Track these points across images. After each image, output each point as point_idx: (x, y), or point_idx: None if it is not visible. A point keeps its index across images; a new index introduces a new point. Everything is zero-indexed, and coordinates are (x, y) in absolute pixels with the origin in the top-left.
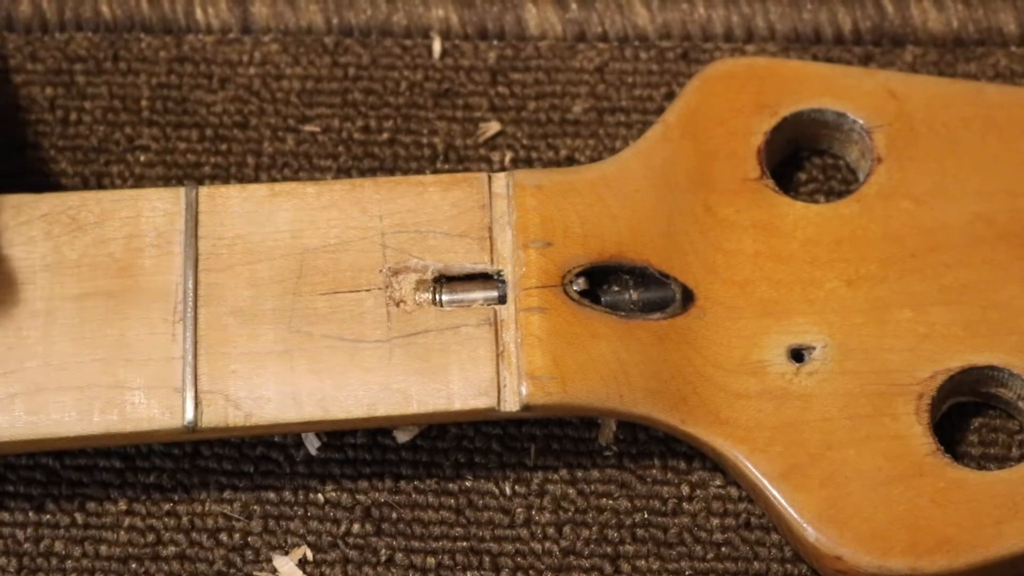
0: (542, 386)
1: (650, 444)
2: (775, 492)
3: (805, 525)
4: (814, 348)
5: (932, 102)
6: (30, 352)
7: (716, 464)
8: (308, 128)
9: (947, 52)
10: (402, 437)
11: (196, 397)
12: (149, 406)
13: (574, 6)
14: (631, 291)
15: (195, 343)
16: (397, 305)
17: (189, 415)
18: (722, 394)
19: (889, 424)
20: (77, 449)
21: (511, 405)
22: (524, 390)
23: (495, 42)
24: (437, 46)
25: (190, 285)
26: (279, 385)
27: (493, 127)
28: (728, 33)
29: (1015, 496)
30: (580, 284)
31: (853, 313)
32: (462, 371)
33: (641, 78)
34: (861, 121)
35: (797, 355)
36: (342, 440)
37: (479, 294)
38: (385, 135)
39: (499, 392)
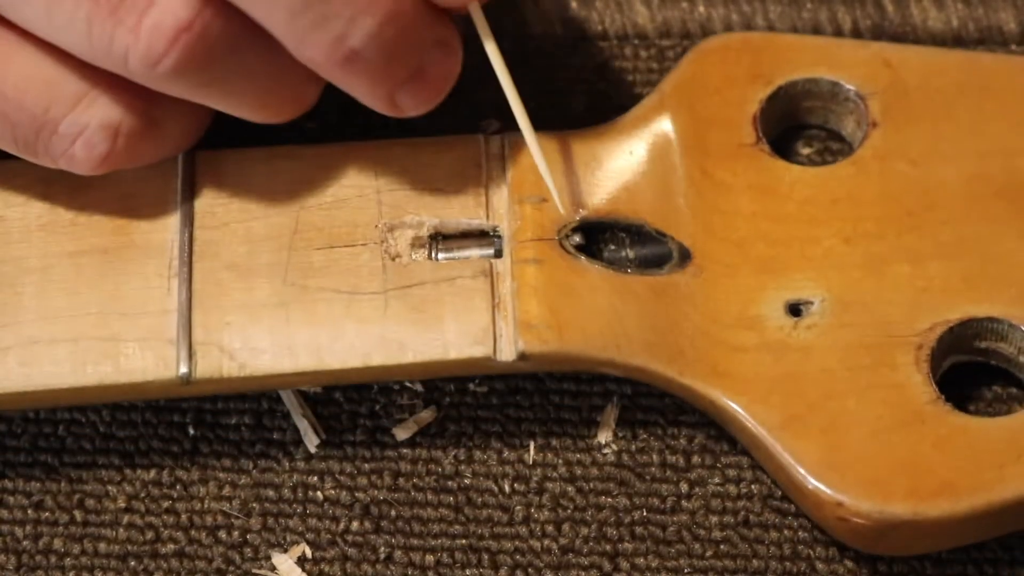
0: (538, 335)
1: (649, 442)
2: (775, 442)
3: (805, 473)
4: (812, 303)
5: (926, 69)
6: (24, 307)
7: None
8: (308, 125)
9: None
10: (401, 434)
11: (190, 348)
12: (143, 358)
13: (574, 4)
14: (628, 249)
15: (190, 296)
16: (393, 259)
17: (183, 366)
18: (720, 348)
19: (888, 374)
20: (72, 405)
21: (507, 355)
22: (520, 339)
23: (496, 39)
24: None
25: (185, 241)
26: (274, 336)
27: (493, 125)
28: (728, 31)
29: (1018, 440)
30: (576, 239)
31: (851, 269)
32: (458, 321)
33: (641, 76)
34: (855, 88)
35: (795, 310)
36: (341, 438)
37: (475, 251)
38: (385, 132)
39: (495, 341)
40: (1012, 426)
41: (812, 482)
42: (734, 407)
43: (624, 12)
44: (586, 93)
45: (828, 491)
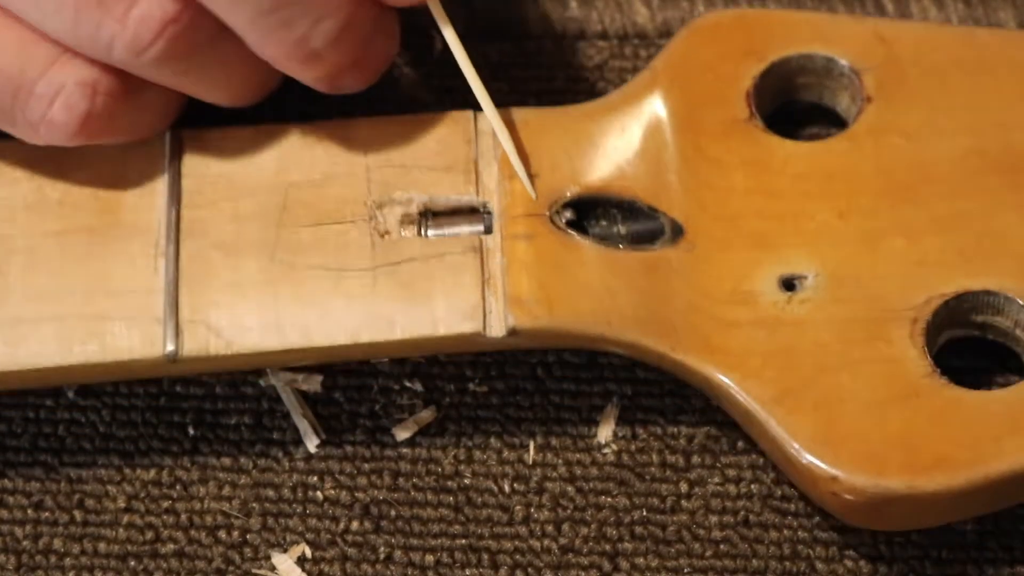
0: (528, 310)
1: (649, 442)
2: (768, 417)
3: (799, 448)
4: (806, 277)
5: (921, 44)
6: (10, 287)
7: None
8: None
9: None
10: (401, 434)
11: (177, 327)
12: (130, 336)
13: (574, 4)
14: (619, 225)
15: (176, 275)
16: (382, 236)
17: (170, 344)
18: (713, 323)
19: (883, 348)
20: (58, 384)
21: (497, 331)
22: (510, 314)
23: (496, 39)
24: (439, 43)
25: (172, 220)
26: (262, 314)
27: None
28: None
29: (1014, 413)
30: (567, 215)
31: (845, 243)
32: (447, 297)
33: None
34: (849, 64)
35: (788, 284)
36: (341, 438)
37: (465, 227)
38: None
39: (485, 317)
40: (1008, 399)
41: (806, 457)
42: (727, 382)
43: (624, 12)
44: (586, 93)
45: (822, 466)
